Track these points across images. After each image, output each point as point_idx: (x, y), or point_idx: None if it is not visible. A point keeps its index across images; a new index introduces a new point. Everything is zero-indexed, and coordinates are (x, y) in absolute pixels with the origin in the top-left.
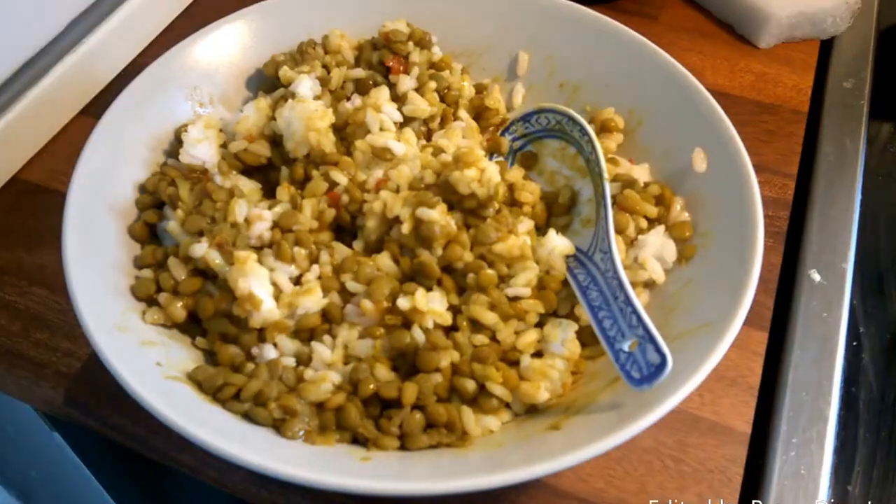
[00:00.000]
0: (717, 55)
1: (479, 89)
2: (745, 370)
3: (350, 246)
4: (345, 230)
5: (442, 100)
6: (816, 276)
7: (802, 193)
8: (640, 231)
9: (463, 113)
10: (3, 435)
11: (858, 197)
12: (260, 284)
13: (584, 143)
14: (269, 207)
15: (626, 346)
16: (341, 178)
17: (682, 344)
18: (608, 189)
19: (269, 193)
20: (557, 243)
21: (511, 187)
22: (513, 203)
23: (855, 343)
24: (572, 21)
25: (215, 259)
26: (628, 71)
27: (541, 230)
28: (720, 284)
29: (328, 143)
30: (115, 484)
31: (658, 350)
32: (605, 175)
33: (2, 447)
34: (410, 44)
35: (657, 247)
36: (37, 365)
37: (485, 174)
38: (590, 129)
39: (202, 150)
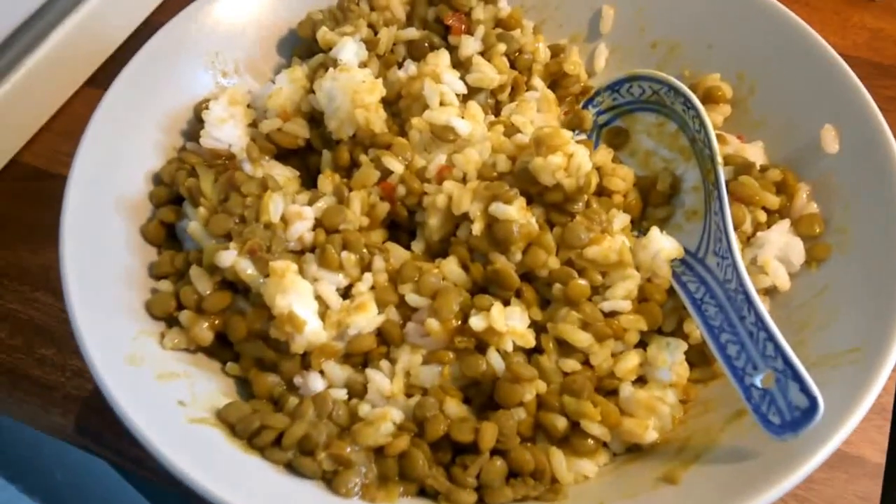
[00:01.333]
0: (826, 9)
1: (555, 52)
2: None
3: (408, 247)
4: (401, 228)
5: (512, 66)
6: None
7: None
8: (758, 226)
9: (537, 81)
10: (21, 436)
11: None
12: (302, 301)
13: (690, 118)
14: (310, 202)
15: (758, 381)
16: (395, 165)
17: (824, 374)
18: (722, 176)
19: (309, 183)
20: (664, 245)
21: (598, 172)
22: (600, 192)
23: None
24: None
25: (247, 269)
26: (736, 27)
27: (635, 224)
28: (864, 295)
29: (378, 121)
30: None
31: (804, 390)
32: (719, 159)
33: (21, 449)
34: None
35: (780, 245)
36: (43, 387)
37: (573, 161)
38: (697, 102)
39: (227, 131)
